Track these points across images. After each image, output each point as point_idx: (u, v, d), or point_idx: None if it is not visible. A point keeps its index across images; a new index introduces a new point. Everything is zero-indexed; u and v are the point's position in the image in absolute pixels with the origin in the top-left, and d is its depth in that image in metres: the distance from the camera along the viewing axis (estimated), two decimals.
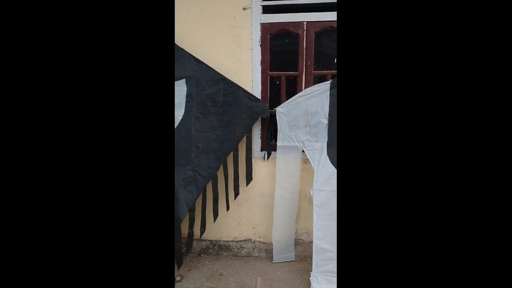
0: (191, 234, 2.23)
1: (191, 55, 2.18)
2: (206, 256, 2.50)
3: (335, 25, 2.19)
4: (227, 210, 2.35)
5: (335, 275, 2.06)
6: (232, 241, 2.50)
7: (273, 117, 2.28)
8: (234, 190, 2.32)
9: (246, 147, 2.29)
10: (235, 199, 2.34)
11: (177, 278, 2.20)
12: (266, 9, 2.23)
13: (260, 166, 2.37)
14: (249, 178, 2.33)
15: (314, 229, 2.11)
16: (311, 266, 2.09)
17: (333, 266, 2.09)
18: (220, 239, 2.51)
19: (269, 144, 2.32)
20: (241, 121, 2.25)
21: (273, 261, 2.38)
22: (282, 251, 2.37)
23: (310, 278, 2.08)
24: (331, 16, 2.19)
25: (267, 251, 2.46)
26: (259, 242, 2.48)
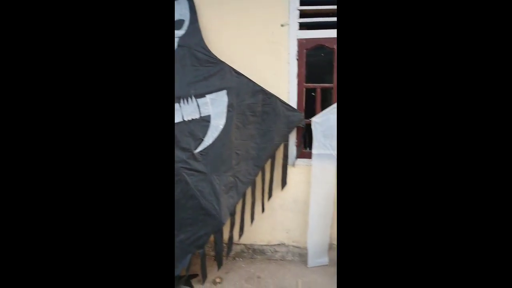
0: (231, 237, 2.34)
1: (232, 67, 2.32)
2: (241, 259, 2.60)
3: None
4: (263, 212, 2.47)
5: None
6: (266, 245, 2.60)
7: (308, 126, 2.41)
8: (268, 193, 2.45)
9: (283, 154, 2.42)
10: (268, 200, 2.46)
11: (217, 280, 2.30)
12: (303, 26, 2.38)
13: (294, 173, 2.48)
14: (284, 183, 2.45)
15: None
16: None
17: None
18: (254, 243, 2.61)
19: (301, 150, 2.44)
20: (278, 130, 2.38)
21: (308, 266, 2.47)
22: (317, 256, 2.46)
23: None
24: None
25: (301, 255, 2.56)
26: (292, 246, 2.58)
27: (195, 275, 2.30)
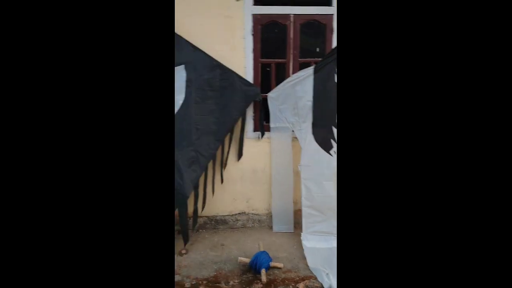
0: (196, 210, 2.41)
1: (188, 42, 2.31)
2: (204, 230, 2.70)
3: (318, 18, 2.48)
4: (222, 183, 2.58)
5: (322, 234, 2.42)
6: (228, 215, 2.73)
7: (264, 101, 2.52)
8: (225, 165, 2.57)
9: (241, 128, 2.51)
10: (224, 170, 2.59)
11: (183, 251, 2.38)
12: (257, 1, 2.43)
13: (252, 146, 2.61)
14: (240, 155, 2.59)
15: (302, 198, 2.44)
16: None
17: (319, 227, 2.44)
18: (216, 214, 2.72)
19: (262, 125, 2.56)
20: (236, 104, 2.45)
21: (273, 231, 2.65)
22: (281, 222, 2.67)
23: (301, 237, 2.41)
24: (315, 10, 2.47)
25: (260, 221, 2.74)
26: (252, 214, 2.74)
27: None
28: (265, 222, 2.73)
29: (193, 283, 2.05)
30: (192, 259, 2.30)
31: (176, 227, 2.43)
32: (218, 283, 2.06)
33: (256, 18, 2.43)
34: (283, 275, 2.12)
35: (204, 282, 2.06)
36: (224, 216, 2.73)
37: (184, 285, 2.03)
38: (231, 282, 2.06)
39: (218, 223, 2.73)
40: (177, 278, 2.09)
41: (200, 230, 2.70)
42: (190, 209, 2.42)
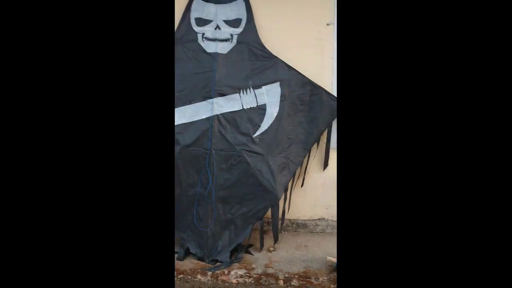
0: (284, 211, 2.66)
1: (283, 62, 2.62)
2: (286, 232, 2.93)
3: None
4: (302, 186, 2.81)
5: None
6: (308, 219, 2.94)
7: None
8: (305, 172, 2.81)
9: (326, 139, 2.74)
10: (305, 175, 2.81)
11: (271, 248, 2.63)
12: None
13: (335, 155, 2.81)
14: (325, 165, 2.80)
15: None
16: None
17: None
18: (297, 218, 2.94)
19: None
20: (323, 117, 2.70)
21: None
22: None
23: None
24: None
25: None
26: (331, 220, 2.92)
27: (250, 245, 2.62)
28: None
29: (286, 276, 2.27)
30: (280, 256, 2.53)
31: (265, 228, 2.69)
32: (309, 278, 2.26)
33: None
34: None
35: (296, 276, 2.27)
36: (304, 220, 2.94)
37: (278, 277, 2.26)
38: (321, 279, 2.24)
39: (298, 227, 2.95)
40: (270, 271, 2.34)
41: (282, 232, 2.93)
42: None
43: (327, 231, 2.94)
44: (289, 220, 2.95)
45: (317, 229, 2.95)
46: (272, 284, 2.20)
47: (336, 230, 2.93)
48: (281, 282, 2.20)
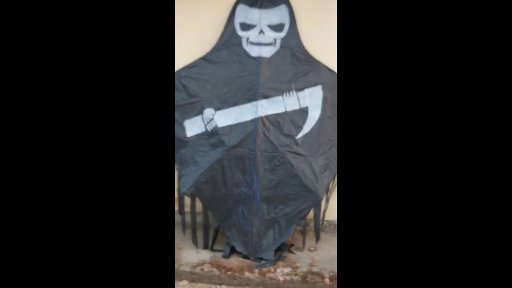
0: (325, 210, 2.72)
1: (325, 65, 2.69)
2: (324, 233, 2.97)
3: None
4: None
5: None
6: None
7: None
8: None
9: None
10: None
11: (312, 248, 2.68)
12: None
13: None
14: None
15: None
16: None
17: None
18: (334, 219, 2.98)
19: None
20: None
21: None
22: None
23: None
24: None
25: None
26: None
27: (292, 244, 2.68)
28: None
29: (331, 274, 2.32)
30: (322, 256, 2.59)
31: (298, 227, 2.75)
32: None
33: None
34: None
35: None
36: None
37: (324, 275, 2.31)
38: None
39: (335, 228, 2.99)
40: (315, 269, 2.39)
41: (321, 232, 2.98)
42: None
43: None
44: (327, 221, 2.99)
45: None
46: (318, 282, 2.26)
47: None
48: (327, 281, 2.26)
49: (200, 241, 2.66)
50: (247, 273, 2.33)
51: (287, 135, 2.60)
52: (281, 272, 2.36)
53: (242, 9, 2.75)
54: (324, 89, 2.70)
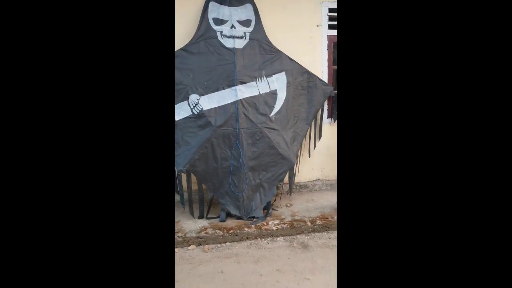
0: (295, 174, 3.33)
1: (287, 55, 3.26)
2: (293, 193, 3.60)
3: None
4: (309, 157, 3.52)
5: None
6: (308, 181, 3.67)
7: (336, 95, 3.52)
8: (314, 144, 3.52)
9: (320, 116, 3.48)
10: (314, 149, 3.53)
11: (288, 204, 3.28)
12: (331, 27, 3.44)
13: (327, 128, 3.59)
14: (319, 136, 3.55)
15: None
16: None
17: None
18: (300, 181, 3.64)
19: (335, 113, 3.55)
20: (318, 98, 3.43)
21: None
22: None
23: None
24: None
25: (331, 185, 3.70)
26: (325, 180, 3.70)
27: (271, 204, 3.23)
28: (335, 186, 3.68)
29: (310, 219, 2.96)
30: (298, 208, 3.21)
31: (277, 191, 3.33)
32: (326, 218, 2.98)
33: (330, 38, 3.45)
34: None
35: (317, 218, 2.98)
36: (305, 182, 3.66)
37: (305, 221, 2.93)
38: (335, 217, 2.99)
39: (301, 188, 3.66)
40: (296, 217, 3.00)
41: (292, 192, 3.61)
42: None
43: (323, 188, 3.72)
44: (294, 183, 3.63)
45: (315, 188, 3.70)
46: (302, 225, 2.87)
47: (330, 188, 3.74)
48: (309, 223, 2.89)
49: (196, 212, 3.01)
50: (246, 229, 2.80)
51: (262, 114, 3.11)
52: (273, 223, 2.90)
53: (213, 5, 3.11)
54: (287, 75, 3.28)
